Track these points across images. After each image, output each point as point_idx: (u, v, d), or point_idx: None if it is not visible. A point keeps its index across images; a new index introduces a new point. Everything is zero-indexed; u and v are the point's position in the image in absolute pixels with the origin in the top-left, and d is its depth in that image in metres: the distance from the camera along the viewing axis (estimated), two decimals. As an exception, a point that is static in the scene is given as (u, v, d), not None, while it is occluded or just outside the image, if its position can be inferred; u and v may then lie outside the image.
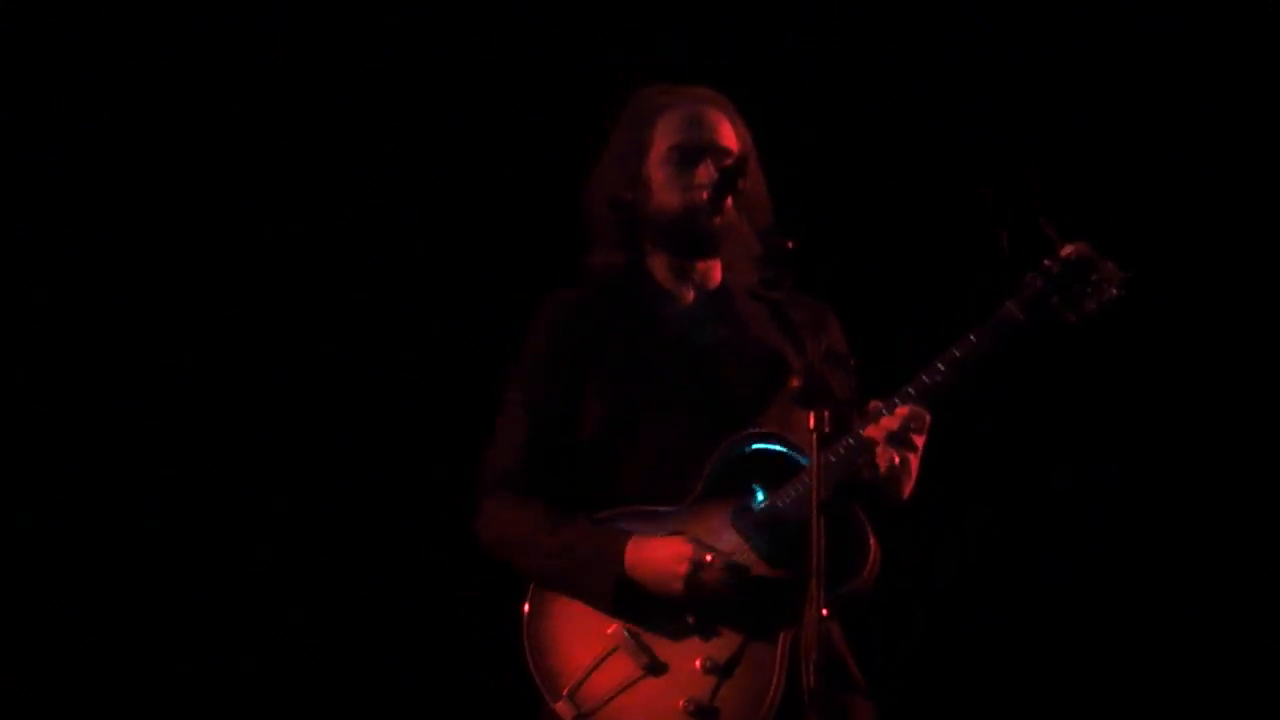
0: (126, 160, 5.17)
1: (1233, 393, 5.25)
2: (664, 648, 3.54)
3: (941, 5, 5.27)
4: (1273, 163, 5.22)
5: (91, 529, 5.14)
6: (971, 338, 3.52)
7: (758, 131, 3.81)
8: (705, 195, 3.67)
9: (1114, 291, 3.53)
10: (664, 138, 3.74)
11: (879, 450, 3.49)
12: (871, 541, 3.54)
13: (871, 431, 3.49)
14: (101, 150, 5.16)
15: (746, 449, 3.60)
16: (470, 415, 4.89)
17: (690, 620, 3.54)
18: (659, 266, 3.81)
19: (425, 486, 5.08)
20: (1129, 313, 3.58)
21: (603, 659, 3.55)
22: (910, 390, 3.51)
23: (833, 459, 3.47)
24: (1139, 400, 5.24)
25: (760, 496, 3.57)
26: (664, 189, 3.73)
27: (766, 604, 3.52)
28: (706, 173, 3.69)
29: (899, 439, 3.48)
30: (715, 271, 3.82)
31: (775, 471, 3.58)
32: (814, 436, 3.20)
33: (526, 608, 3.65)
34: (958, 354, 3.51)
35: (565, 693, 3.56)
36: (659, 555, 3.53)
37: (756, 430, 3.61)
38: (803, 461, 3.56)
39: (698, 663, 3.52)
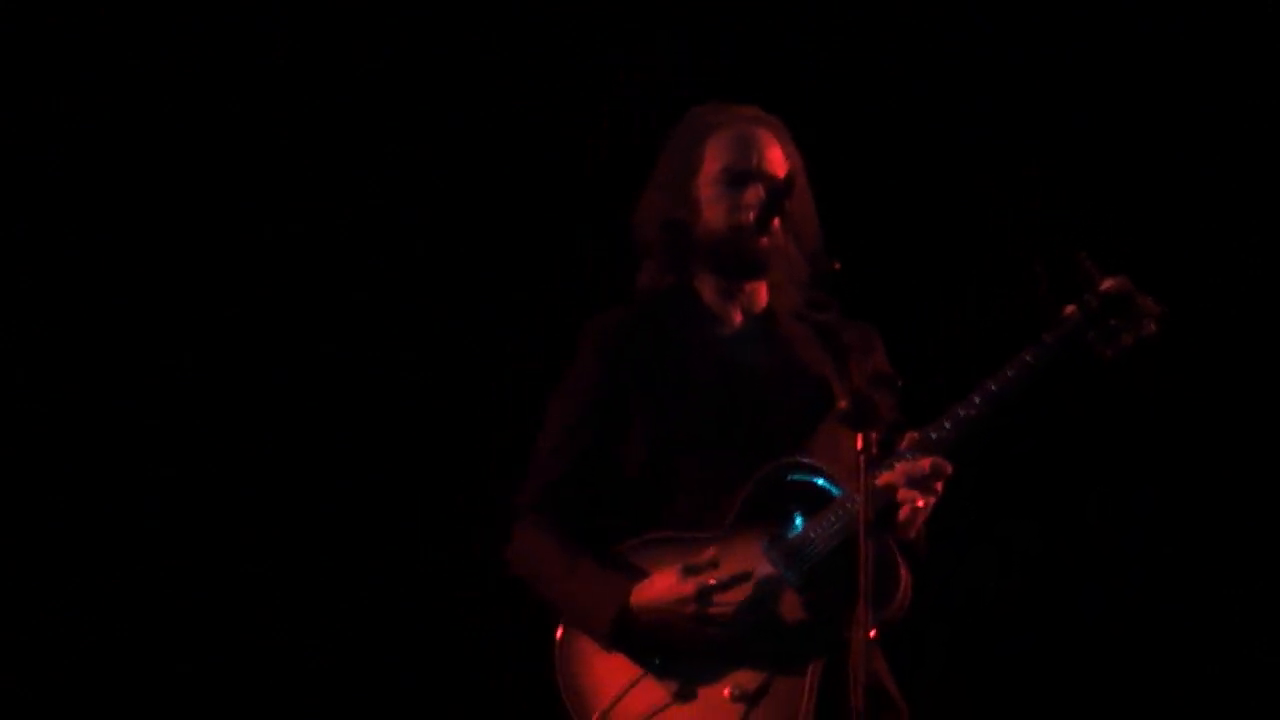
0: (125, 160, 5.19)
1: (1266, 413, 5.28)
2: (693, 675, 3.55)
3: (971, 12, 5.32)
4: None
5: (90, 529, 5.14)
6: (1008, 371, 3.55)
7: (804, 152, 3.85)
8: (752, 216, 3.68)
9: (1152, 327, 3.55)
10: (714, 158, 3.76)
11: (900, 493, 3.51)
12: (902, 571, 3.56)
13: (893, 477, 3.51)
14: (100, 150, 5.18)
15: (783, 478, 3.61)
16: (475, 416, 5.02)
17: (710, 656, 3.55)
18: (706, 288, 3.82)
19: (449, 500, 5.11)
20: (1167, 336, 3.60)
21: (632, 685, 3.57)
22: (946, 424, 3.54)
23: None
24: (1176, 423, 5.27)
25: (798, 524, 3.58)
26: (712, 209, 3.74)
27: (796, 633, 3.54)
28: (754, 195, 3.70)
29: (920, 484, 3.51)
30: (761, 294, 3.83)
31: (810, 501, 3.59)
32: (861, 458, 3.18)
33: (559, 632, 3.67)
34: (994, 387, 3.54)
35: (595, 718, 3.57)
36: (660, 596, 3.55)
37: (791, 459, 3.63)
38: (835, 493, 3.58)
39: (726, 691, 3.53)
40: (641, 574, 3.60)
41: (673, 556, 3.59)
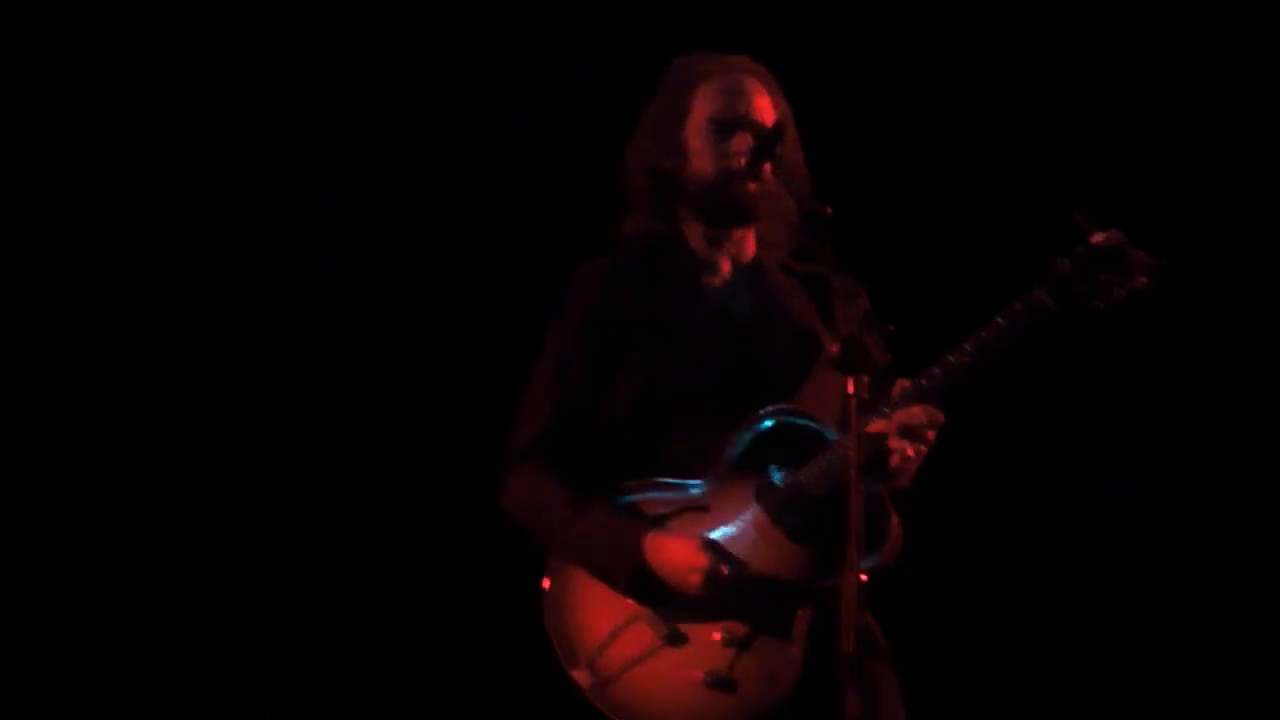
0: (124, 159, 5.20)
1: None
2: (684, 619, 3.58)
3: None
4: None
5: (90, 528, 5.16)
6: (999, 320, 3.55)
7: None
8: (742, 162, 3.70)
9: (1144, 280, 3.56)
10: (702, 106, 3.77)
11: (891, 441, 3.53)
12: (894, 519, 3.59)
13: (884, 426, 3.53)
14: (99, 150, 5.19)
15: (773, 424, 3.63)
16: (470, 387, 5.04)
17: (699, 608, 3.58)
18: (694, 235, 3.82)
19: (442, 459, 5.12)
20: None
21: (622, 628, 3.59)
22: (937, 370, 3.55)
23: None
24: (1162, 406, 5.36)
25: (789, 469, 3.60)
26: (701, 157, 3.75)
27: (787, 578, 3.56)
28: (743, 142, 3.72)
29: (913, 433, 3.53)
30: (749, 243, 3.84)
31: (800, 446, 3.61)
32: (853, 401, 3.21)
33: (547, 579, 3.69)
34: (985, 336, 3.54)
35: (584, 660, 3.59)
36: (673, 560, 3.57)
37: (781, 406, 3.65)
38: (826, 438, 3.61)
39: (717, 635, 3.55)
40: (646, 522, 3.61)
41: (665, 502, 3.62)
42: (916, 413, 3.52)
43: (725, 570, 3.53)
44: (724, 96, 3.76)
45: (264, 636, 5.23)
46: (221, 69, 5.24)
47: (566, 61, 5.29)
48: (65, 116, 5.18)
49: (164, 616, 5.20)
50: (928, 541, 3.78)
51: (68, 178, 5.18)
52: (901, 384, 3.57)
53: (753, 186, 3.72)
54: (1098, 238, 3.56)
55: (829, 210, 3.42)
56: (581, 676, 3.59)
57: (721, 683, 3.53)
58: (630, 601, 3.60)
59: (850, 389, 3.21)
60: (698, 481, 3.64)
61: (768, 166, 3.70)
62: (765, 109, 3.78)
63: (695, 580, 3.53)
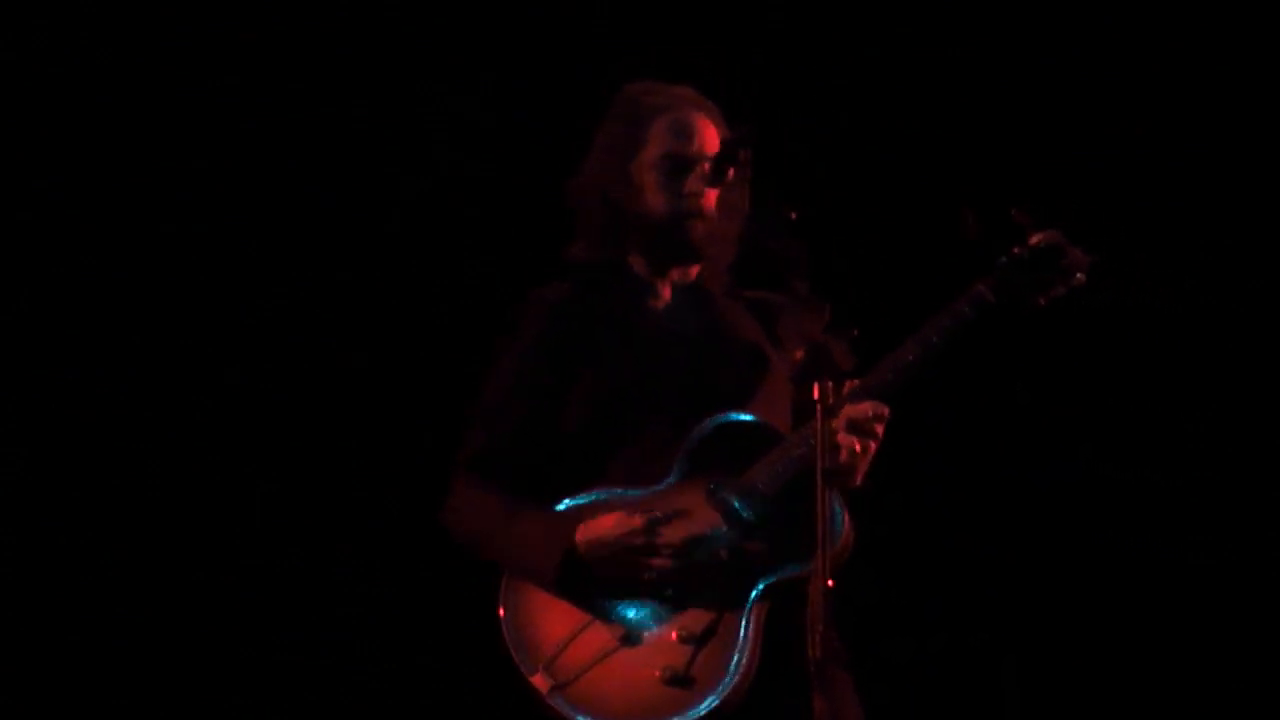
0: (124, 159, 5.22)
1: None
2: (639, 619, 3.59)
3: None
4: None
5: (90, 528, 5.18)
6: (942, 317, 3.62)
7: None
8: (691, 204, 3.76)
9: (1080, 277, 3.66)
10: (657, 143, 3.81)
11: (839, 436, 3.55)
12: (845, 516, 3.58)
13: (834, 423, 3.52)
14: (99, 150, 5.21)
15: (721, 431, 3.66)
16: (470, 387, 5.03)
17: (655, 597, 3.58)
18: (638, 264, 3.88)
19: (442, 459, 5.13)
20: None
21: (579, 631, 3.60)
22: (884, 369, 3.59)
23: (808, 442, 3.53)
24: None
25: (739, 472, 3.62)
26: (654, 194, 3.80)
27: (740, 575, 3.57)
28: (694, 183, 3.78)
29: (861, 428, 3.56)
30: (692, 270, 3.89)
31: (749, 452, 3.64)
32: (819, 407, 3.24)
33: (503, 583, 3.70)
34: (928, 333, 3.61)
35: (542, 665, 3.59)
36: (607, 527, 3.58)
37: (728, 413, 3.68)
38: (776, 437, 3.64)
39: (674, 634, 3.56)
40: (577, 519, 3.63)
41: (611, 504, 3.63)
42: (863, 408, 3.56)
43: (661, 534, 3.55)
44: (676, 135, 3.81)
45: (264, 636, 5.23)
46: (221, 69, 5.25)
47: (566, 62, 5.28)
48: (65, 116, 5.20)
49: (164, 616, 5.21)
50: (880, 542, 3.77)
51: (68, 178, 5.20)
52: (851, 384, 3.59)
53: (700, 227, 3.78)
54: (1036, 238, 3.65)
55: (794, 215, 3.46)
56: (540, 681, 3.60)
57: (679, 679, 3.53)
58: (585, 605, 3.60)
59: (815, 394, 3.24)
60: (647, 490, 3.66)
61: (713, 195, 3.76)
62: (713, 142, 3.82)
63: (638, 543, 3.55)
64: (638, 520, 3.56)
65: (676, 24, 5.19)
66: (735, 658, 3.51)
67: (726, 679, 3.51)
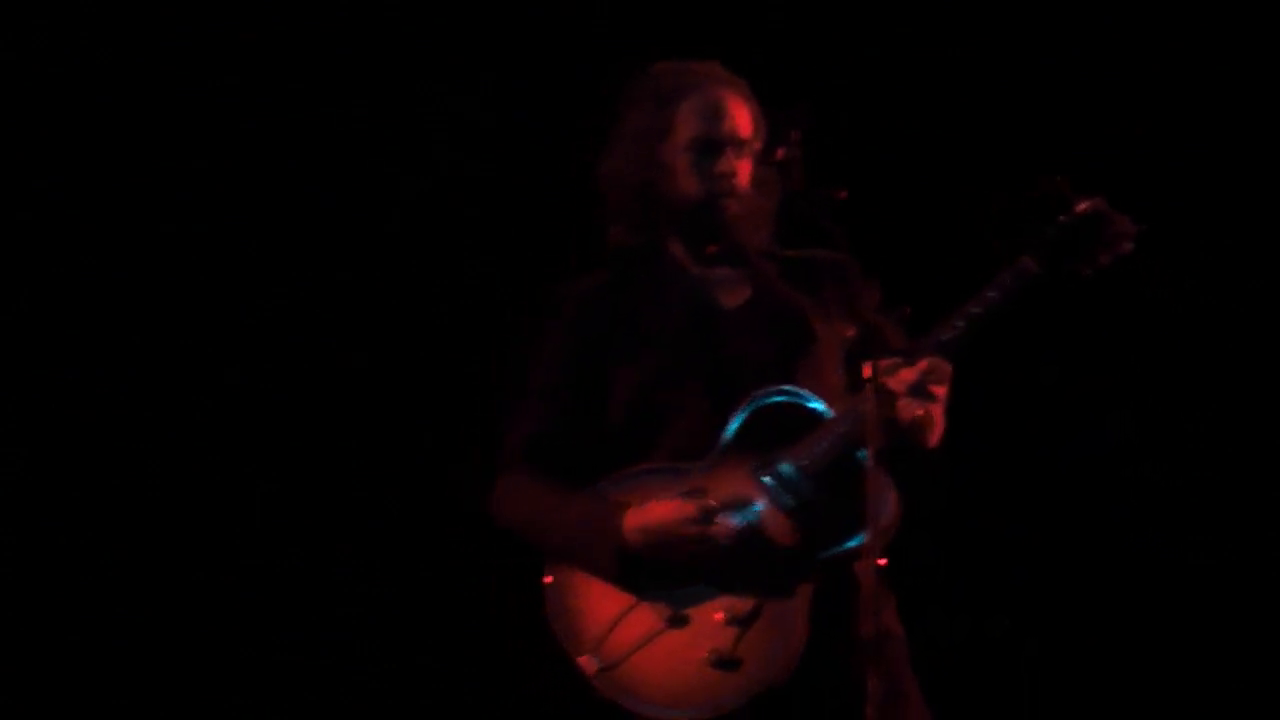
0: (124, 159, 5.21)
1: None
2: (685, 601, 3.58)
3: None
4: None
5: (90, 528, 5.17)
6: (989, 291, 3.57)
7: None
8: (724, 185, 3.75)
9: (1128, 246, 3.60)
10: (686, 125, 3.79)
11: (900, 403, 3.53)
12: (891, 492, 3.56)
13: (892, 385, 3.52)
14: (99, 150, 5.20)
15: (768, 405, 3.64)
16: (470, 387, 5.05)
17: (704, 581, 3.58)
18: (676, 247, 3.86)
19: (442, 459, 5.14)
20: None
21: (625, 613, 3.59)
22: (928, 344, 3.55)
23: (857, 414, 3.53)
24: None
25: (787, 448, 3.61)
26: (685, 177, 3.78)
27: (787, 555, 3.57)
28: (726, 164, 3.76)
29: (919, 390, 3.52)
30: (733, 248, 3.86)
31: (797, 426, 3.62)
32: (870, 387, 3.24)
33: (548, 577, 3.69)
34: (974, 306, 3.56)
35: (588, 647, 3.59)
36: (661, 517, 3.57)
37: (776, 387, 3.66)
38: (825, 412, 3.62)
39: (720, 615, 3.55)
40: (622, 509, 3.62)
41: (659, 487, 3.62)
42: (920, 367, 3.51)
43: (716, 522, 3.54)
44: (705, 116, 3.79)
45: (264, 636, 5.22)
46: (221, 69, 5.25)
47: (566, 62, 5.29)
48: (65, 116, 5.19)
49: (164, 616, 5.20)
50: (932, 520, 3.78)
51: (68, 178, 5.19)
52: (891, 360, 3.56)
53: (734, 206, 3.77)
54: (1082, 205, 3.59)
55: (844, 194, 3.41)
56: (587, 663, 3.59)
57: (726, 661, 3.53)
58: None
59: (867, 373, 3.24)
60: (692, 465, 3.65)
61: (747, 170, 3.75)
62: (745, 123, 3.80)
63: (692, 532, 3.54)
64: (691, 508, 3.55)
65: (683, 20, 5.20)
66: (784, 640, 3.52)
67: (775, 662, 3.51)
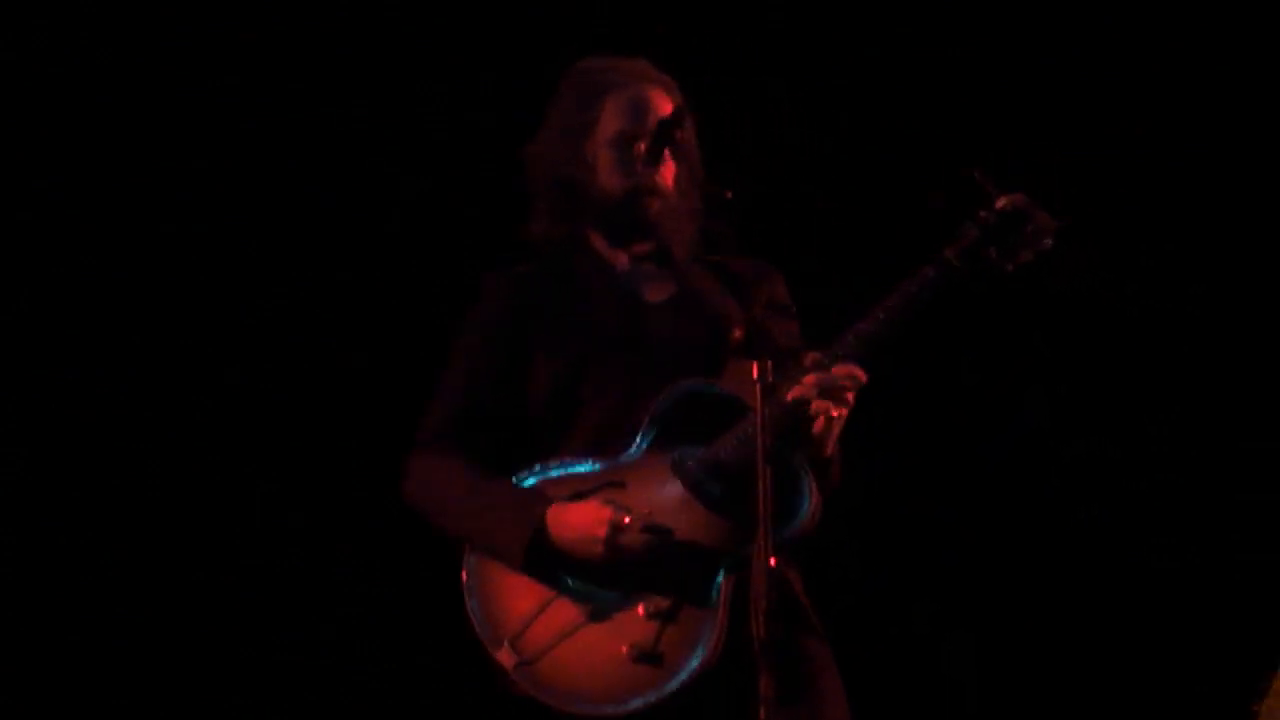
0: (124, 159, 5.23)
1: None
2: (606, 595, 3.54)
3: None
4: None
5: (90, 528, 5.18)
6: (909, 285, 3.54)
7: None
8: (642, 167, 3.74)
9: (1048, 242, 3.57)
10: (611, 121, 3.79)
11: (814, 404, 3.48)
12: (812, 487, 3.53)
13: (807, 383, 3.48)
14: (99, 150, 5.21)
15: (686, 400, 3.62)
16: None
17: (617, 585, 3.55)
18: (598, 239, 3.86)
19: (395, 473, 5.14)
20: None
21: (544, 607, 3.56)
22: (850, 339, 3.52)
23: (775, 409, 3.46)
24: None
25: (704, 443, 3.57)
26: (609, 172, 3.78)
27: (708, 549, 3.52)
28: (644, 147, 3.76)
29: (831, 394, 3.48)
30: (654, 240, 3.84)
31: (716, 422, 3.58)
32: (758, 387, 3.20)
33: (465, 556, 3.67)
34: (895, 302, 3.53)
35: (506, 641, 3.56)
36: (577, 520, 3.54)
37: (694, 381, 3.64)
38: (743, 408, 3.56)
39: (640, 609, 3.52)
40: (546, 500, 3.59)
41: (579, 479, 3.60)
42: (836, 372, 3.48)
43: (629, 525, 3.50)
44: (630, 112, 3.79)
45: (264, 636, 5.22)
46: (221, 69, 5.26)
47: (566, 62, 5.26)
48: (65, 116, 5.21)
49: (164, 616, 5.20)
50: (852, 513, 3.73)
51: (68, 178, 5.21)
52: (812, 356, 3.53)
53: (656, 203, 3.76)
54: (1002, 201, 3.56)
55: (729, 194, 3.42)
56: (505, 657, 3.56)
57: (647, 656, 3.49)
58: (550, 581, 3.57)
59: (754, 374, 3.21)
60: (610, 460, 3.62)
61: (670, 170, 3.75)
62: (664, 106, 3.79)
63: (601, 533, 3.50)
64: (608, 513, 3.52)
65: (679, 23, 5.18)
66: (704, 635, 3.47)
67: (696, 656, 3.46)
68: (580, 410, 3.68)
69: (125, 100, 5.23)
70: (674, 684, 3.47)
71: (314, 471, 5.27)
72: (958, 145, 5.11)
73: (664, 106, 3.79)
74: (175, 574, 5.21)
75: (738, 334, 3.28)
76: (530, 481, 3.66)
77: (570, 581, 3.56)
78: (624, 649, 3.49)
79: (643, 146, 3.75)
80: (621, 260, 3.84)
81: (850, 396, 3.50)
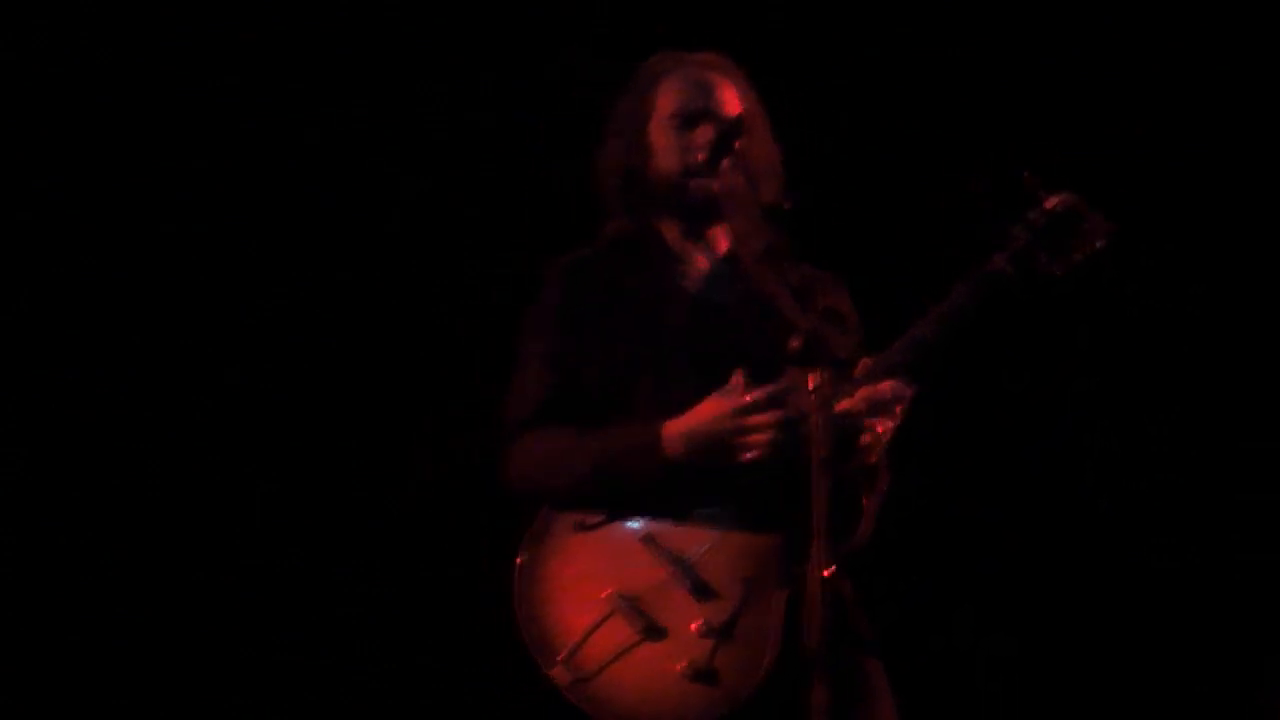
0: (124, 159, 5.21)
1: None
2: (660, 612, 3.53)
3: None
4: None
5: (90, 528, 5.17)
6: (960, 290, 3.52)
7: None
8: (700, 157, 3.71)
9: (1100, 244, 3.53)
10: (665, 103, 3.78)
11: (865, 420, 3.48)
12: (865, 500, 3.56)
13: (857, 397, 3.48)
14: (99, 150, 5.19)
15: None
16: (470, 386, 5.03)
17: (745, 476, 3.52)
18: (670, 232, 3.83)
19: (442, 459, 5.15)
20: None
21: (599, 624, 3.55)
22: (903, 346, 3.52)
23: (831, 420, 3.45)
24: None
25: None
26: (665, 153, 3.76)
27: (762, 566, 3.53)
28: (705, 134, 3.72)
29: (881, 408, 3.48)
30: (724, 238, 3.84)
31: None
32: (814, 396, 3.19)
33: (517, 574, 3.65)
34: (946, 307, 3.52)
35: (561, 658, 3.55)
36: (699, 417, 3.52)
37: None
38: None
39: (694, 626, 3.51)
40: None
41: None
42: (884, 388, 3.48)
43: (750, 397, 3.48)
44: (686, 91, 3.77)
45: (264, 636, 5.22)
46: (221, 69, 5.24)
47: (566, 62, 5.28)
48: (65, 116, 5.18)
49: (164, 616, 5.20)
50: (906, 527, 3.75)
51: (68, 178, 5.18)
52: (865, 362, 3.54)
53: (714, 184, 3.71)
54: (1052, 202, 3.52)
55: (788, 204, 3.41)
56: (559, 674, 3.55)
57: (702, 674, 3.49)
58: (605, 596, 3.55)
59: (811, 384, 3.20)
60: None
61: (726, 161, 3.68)
62: (730, 101, 3.78)
63: (728, 425, 3.48)
64: (729, 402, 3.50)
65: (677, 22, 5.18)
66: (759, 651, 3.48)
67: (751, 674, 3.47)
68: (644, 407, 3.64)
69: (125, 100, 5.21)
70: (730, 702, 3.47)
71: (314, 471, 5.27)
72: (958, 145, 5.14)
73: (725, 90, 3.78)
74: (175, 574, 5.21)
75: (795, 343, 3.24)
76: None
77: (622, 598, 3.53)
78: (679, 667, 3.49)
79: (704, 128, 3.72)
80: (694, 257, 3.81)
81: (898, 410, 3.50)
